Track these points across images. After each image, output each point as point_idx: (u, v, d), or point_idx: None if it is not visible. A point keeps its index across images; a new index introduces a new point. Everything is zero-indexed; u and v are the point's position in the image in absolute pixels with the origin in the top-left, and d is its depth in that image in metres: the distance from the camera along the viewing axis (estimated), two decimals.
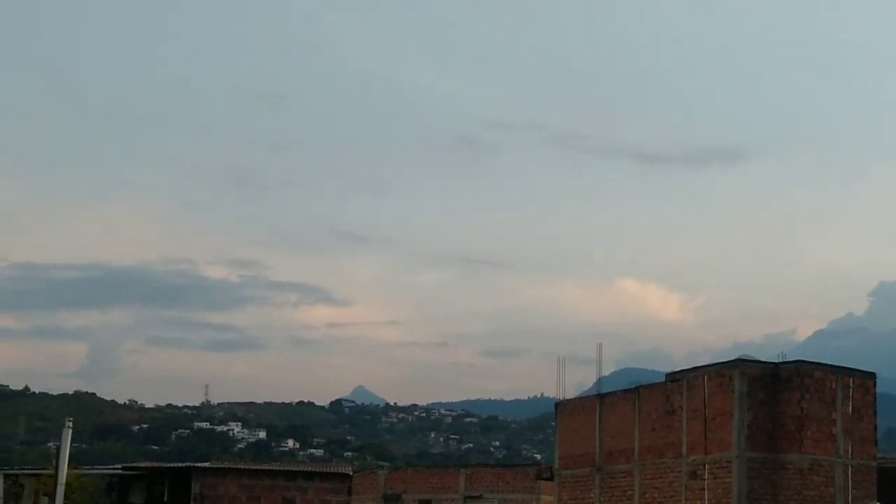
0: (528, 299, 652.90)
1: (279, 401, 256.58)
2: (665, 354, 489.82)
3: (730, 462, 31.69)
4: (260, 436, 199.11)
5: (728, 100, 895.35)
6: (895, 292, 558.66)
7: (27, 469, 66.93)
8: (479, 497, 53.72)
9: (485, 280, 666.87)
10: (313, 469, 68.13)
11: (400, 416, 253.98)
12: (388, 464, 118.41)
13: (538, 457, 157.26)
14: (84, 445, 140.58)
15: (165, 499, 62.18)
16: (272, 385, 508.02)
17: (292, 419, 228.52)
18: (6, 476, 63.38)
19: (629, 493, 35.30)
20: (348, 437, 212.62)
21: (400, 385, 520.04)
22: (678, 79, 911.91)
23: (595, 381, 38.36)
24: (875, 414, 33.45)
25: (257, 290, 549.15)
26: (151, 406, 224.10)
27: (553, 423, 41.11)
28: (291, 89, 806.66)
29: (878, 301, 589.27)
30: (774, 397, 32.05)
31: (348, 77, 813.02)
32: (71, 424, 46.73)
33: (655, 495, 34.28)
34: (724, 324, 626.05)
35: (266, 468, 67.73)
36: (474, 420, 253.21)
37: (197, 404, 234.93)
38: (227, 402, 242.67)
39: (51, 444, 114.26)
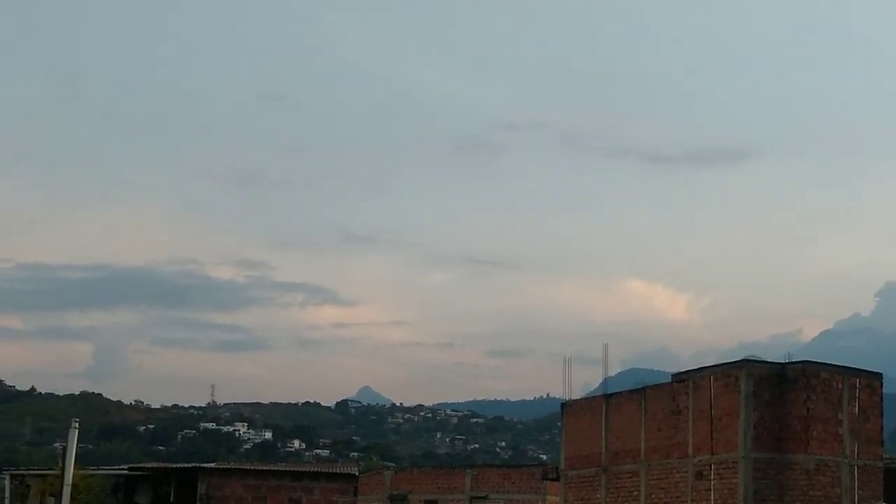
0: (534, 300, 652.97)
1: (285, 401, 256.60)
2: (671, 355, 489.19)
3: (736, 462, 31.67)
4: (266, 436, 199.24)
5: (734, 100, 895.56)
6: None
7: (33, 469, 66.95)
8: (485, 497, 53.74)
9: (491, 280, 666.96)
10: (319, 469, 68.06)
11: (406, 416, 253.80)
12: (393, 464, 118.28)
13: (544, 457, 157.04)
14: (90, 446, 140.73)
15: (171, 499, 62.16)
16: (278, 385, 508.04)
17: (298, 420, 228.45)
18: (12, 476, 63.48)
19: (635, 493, 35.28)
20: (354, 438, 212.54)
21: (406, 385, 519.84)
22: (683, 79, 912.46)
23: (601, 381, 38.46)
24: (881, 414, 33.43)
25: (263, 291, 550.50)
26: (157, 406, 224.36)
27: (559, 424, 41.10)
28: (297, 91, 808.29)
29: (884, 301, 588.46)
30: (781, 398, 32.03)
31: (355, 78, 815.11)
32: (77, 425, 46.58)
33: (661, 496, 34.27)
34: (731, 324, 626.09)
35: (272, 469, 67.68)
36: (480, 420, 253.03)
37: (203, 405, 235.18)
38: (233, 403, 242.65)
39: (57, 444, 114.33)
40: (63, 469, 46.59)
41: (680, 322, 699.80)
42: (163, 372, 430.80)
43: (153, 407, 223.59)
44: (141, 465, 72.13)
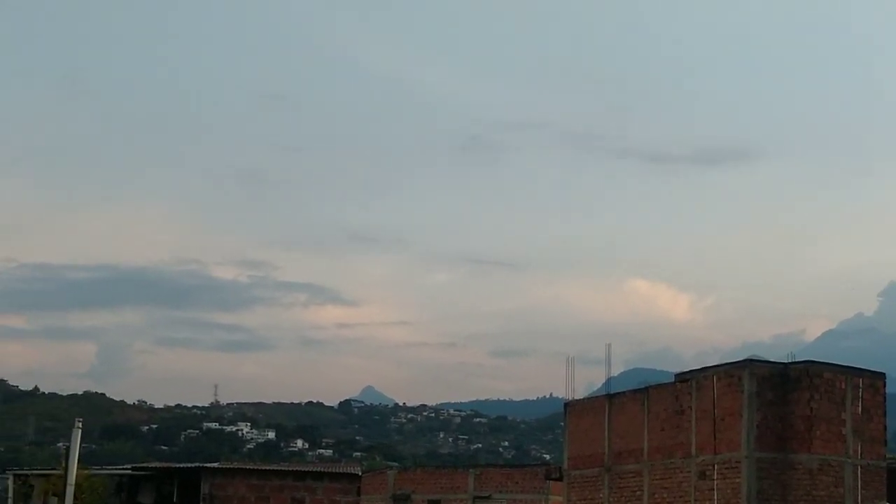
0: (537, 299, 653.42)
1: (288, 401, 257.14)
2: (674, 355, 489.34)
3: (739, 462, 31.66)
4: (269, 436, 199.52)
5: (738, 99, 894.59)
6: None
7: (37, 469, 67.10)
8: (489, 497, 53.76)
9: (494, 280, 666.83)
10: (322, 469, 68.12)
11: (409, 416, 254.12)
12: (397, 464, 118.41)
13: (547, 457, 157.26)
14: (93, 446, 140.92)
15: (175, 499, 62.20)
16: (281, 385, 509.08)
17: (301, 419, 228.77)
18: (16, 476, 63.60)
19: (638, 493, 35.27)
20: (357, 438, 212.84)
21: (409, 385, 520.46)
22: (687, 79, 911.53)
23: (604, 381, 38.42)
24: (885, 414, 33.42)
25: (267, 291, 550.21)
26: (161, 406, 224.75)
27: (562, 424, 41.07)
28: (301, 91, 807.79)
29: (888, 301, 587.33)
30: (784, 397, 32.02)
31: (357, 78, 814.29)
32: (80, 425, 46.68)
33: (665, 495, 34.26)
34: (734, 324, 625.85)
35: (275, 468, 67.76)
36: (483, 420, 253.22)
37: (206, 405, 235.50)
38: (237, 403, 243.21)
39: (60, 444, 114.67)
40: (66, 469, 46.68)
41: (683, 322, 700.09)
42: (166, 372, 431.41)
43: (156, 407, 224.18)
44: (144, 464, 72.18)
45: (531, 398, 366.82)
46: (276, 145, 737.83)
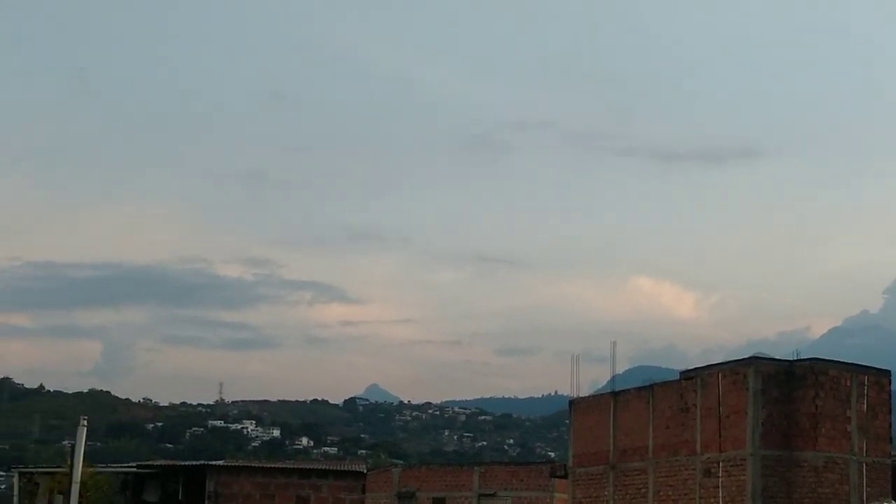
0: (542, 298, 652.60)
1: (293, 399, 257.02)
2: (679, 352, 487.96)
3: (744, 460, 31.66)
4: (274, 434, 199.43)
5: (743, 98, 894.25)
6: None
7: (42, 467, 67.03)
8: (494, 495, 53.76)
9: (499, 278, 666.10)
10: (327, 467, 67.99)
11: (414, 414, 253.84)
12: (402, 462, 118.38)
13: (552, 455, 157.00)
14: (99, 444, 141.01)
15: (180, 497, 62.21)
16: (286, 383, 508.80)
17: (306, 417, 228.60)
18: (21, 474, 63.52)
19: (643, 490, 35.28)
20: (362, 436, 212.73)
21: (414, 383, 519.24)
22: (693, 77, 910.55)
23: (609, 378, 38.49)
24: (890, 411, 33.45)
25: (272, 289, 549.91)
26: (166, 404, 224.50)
27: (567, 421, 41.13)
28: (306, 90, 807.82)
29: (893, 298, 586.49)
30: (789, 395, 32.02)
31: (359, 77, 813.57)
32: (86, 423, 46.58)
33: (670, 493, 34.26)
34: (739, 322, 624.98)
35: (280, 466, 67.66)
36: (488, 418, 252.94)
37: (211, 402, 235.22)
38: (242, 401, 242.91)
39: (65, 442, 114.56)
40: (71, 467, 46.62)
41: (688, 319, 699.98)
42: (171, 370, 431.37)
43: (161, 405, 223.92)
44: (149, 462, 72.17)
45: (536, 396, 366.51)
46: (277, 145, 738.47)
